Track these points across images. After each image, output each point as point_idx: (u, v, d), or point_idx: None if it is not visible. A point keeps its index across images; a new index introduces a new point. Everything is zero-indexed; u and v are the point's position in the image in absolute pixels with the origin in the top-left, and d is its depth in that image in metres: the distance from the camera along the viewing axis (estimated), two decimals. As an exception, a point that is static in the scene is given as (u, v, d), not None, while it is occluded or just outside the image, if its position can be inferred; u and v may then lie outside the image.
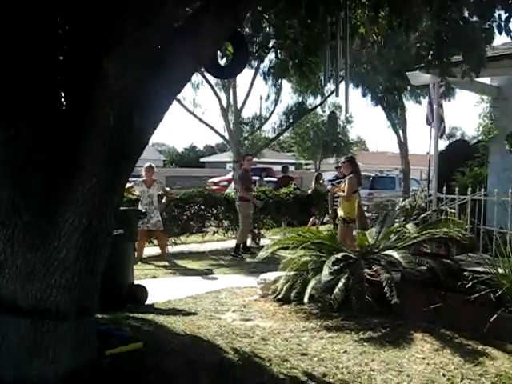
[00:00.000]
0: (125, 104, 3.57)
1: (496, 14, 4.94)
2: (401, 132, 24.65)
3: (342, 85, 5.79)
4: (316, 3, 4.82)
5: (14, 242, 3.67)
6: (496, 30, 4.95)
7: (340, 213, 9.38)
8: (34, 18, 3.50)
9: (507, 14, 4.82)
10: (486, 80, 9.66)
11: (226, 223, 14.01)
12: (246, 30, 5.91)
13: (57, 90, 3.73)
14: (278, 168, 19.68)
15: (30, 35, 3.48)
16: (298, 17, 5.11)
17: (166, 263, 10.68)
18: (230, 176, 26.50)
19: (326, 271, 6.22)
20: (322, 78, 5.88)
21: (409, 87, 20.75)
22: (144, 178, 11.06)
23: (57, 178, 3.67)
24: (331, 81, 5.94)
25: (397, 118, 24.40)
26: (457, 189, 7.87)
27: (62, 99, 3.78)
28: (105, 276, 6.00)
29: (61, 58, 3.87)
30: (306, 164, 47.67)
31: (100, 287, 5.91)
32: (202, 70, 9.93)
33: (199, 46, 3.87)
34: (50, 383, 3.70)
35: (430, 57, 5.43)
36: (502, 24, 4.88)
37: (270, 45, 7.75)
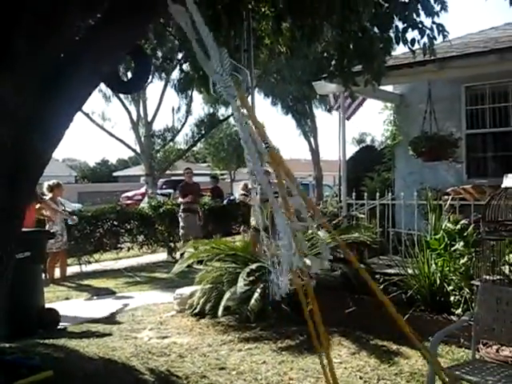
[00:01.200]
0: (22, 124, 3.40)
1: (394, 25, 5.12)
2: (312, 139, 25.17)
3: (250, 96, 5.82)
4: (218, 15, 4.82)
5: None
6: (394, 41, 5.14)
7: (251, 221, 9.51)
8: None
9: (404, 25, 5.01)
10: (389, 88, 10.03)
11: (140, 238, 13.75)
12: (150, 43, 5.81)
13: None
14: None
15: None
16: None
17: (76, 284, 10.33)
18: (143, 190, 26.15)
19: (240, 283, 6.21)
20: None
21: (318, 95, 21.24)
22: (50, 196, 10.63)
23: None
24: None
25: (307, 126, 24.90)
26: (365, 194, 8.10)
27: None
28: (13, 301, 5.78)
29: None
30: (222, 174, 47.76)
31: (7, 313, 5.67)
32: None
33: (99, 60, 3.75)
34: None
35: (332, 67, 5.56)
36: (400, 34, 5.06)
37: (179, 57, 7.69)
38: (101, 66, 3.84)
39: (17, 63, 3.32)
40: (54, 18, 3.35)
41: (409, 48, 5.20)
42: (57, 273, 10.74)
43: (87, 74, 3.73)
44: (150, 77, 18.86)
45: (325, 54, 5.58)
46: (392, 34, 5.17)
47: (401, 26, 5.09)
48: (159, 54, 5.92)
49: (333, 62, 5.45)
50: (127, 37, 3.96)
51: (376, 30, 5.20)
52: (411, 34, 5.06)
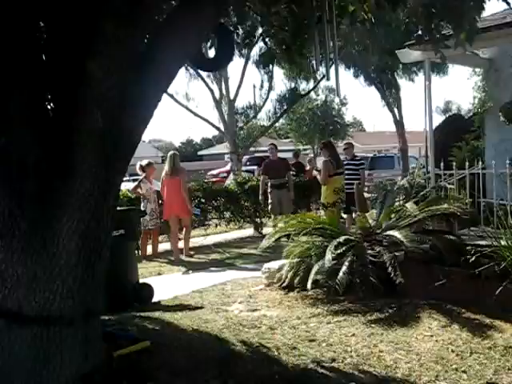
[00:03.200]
0: (112, 105, 3.55)
1: None
2: (396, 110, 24.60)
3: (333, 68, 5.76)
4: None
5: (13, 251, 3.66)
6: None
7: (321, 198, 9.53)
8: (17, 27, 3.47)
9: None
10: (477, 52, 9.62)
11: (227, 215, 14.02)
12: (232, 19, 5.86)
13: (44, 95, 3.70)
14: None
15: (13, 42, 3.45)
16: (282, 2, 5.07)
17: (167, 260, 10.71)
18: (228, 167, 26.52)
19: (328, 256, 6.22)
20: (314, 62, 5.83)
21: (401, 65, 20.70)
22: (143, 176, 11.08)
23: (51, 183, 3.65)
24: (322, 64, 5.89)
25: (391, 97, 24.35)
26: (454, 164, 7.86)
27: (50, 105, 3.75)
28: (109, 277, 6.05)
29: (46, 62, 3.84)
30: (304, 149, 47.62)
31: (105, 288, 5.97)
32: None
33: (184, 39, 3.83)
34: (60, 389, 3.70)
35: (420, 31, 5.35)
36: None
37: (259, 32, 7.69)
38: (186, 45, 3.92)
39: (106, 46, 3.45)
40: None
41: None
42: (149, 249, 11.19)
43: (173, 53, 3.82)
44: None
45: (412, 19, 5.35)
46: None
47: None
48: (240, 30, 5.96)
49: (420, 27, 5.24)
50: (211, 15, 4.02)
51: None
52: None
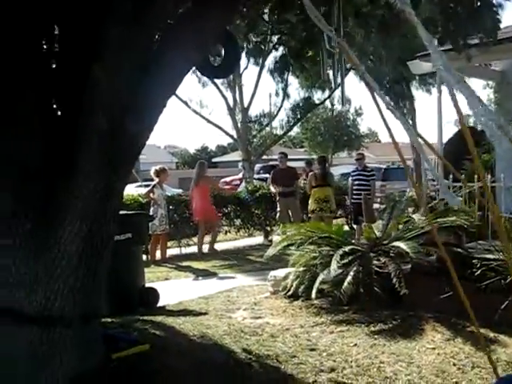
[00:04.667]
0: (117, 108, 3.59)
1: None
2: (410, 121, 24.50)
3: (349, 76, 5.77)
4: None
5: (16, 252, 3.70)
6: None
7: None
8: (24, 29, 3.53)
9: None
10: (490, 64, 9.61)
11: (237, 222, 14.04)
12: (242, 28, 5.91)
13: (49, 98, 3.76)
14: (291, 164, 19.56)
15: (20, 45, 3.50)
16: (291, 10, 5.09)
17: (175, 265, 10.75)
18: (241, 175, 26.56)
19: (334, 265, 6.20)
20: (327, 71, 5.84)
21: (417, 76, 20.67)
22: (157, 181, 11.19)
23: (54, 185, 3.70)
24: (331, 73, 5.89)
25: (405, 108, 24.27)
26: (462, 176, 7.82)
27: (55, 107, 3.80)
28: (114, 280, 6.10)
29: (54, 66, 3.90)
30: (319, 159, 47.56)
31: (110, 291, 6.00)
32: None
33: (190, 46, 3.88)
34: (58, 390, 3.73)
35: (439, 34, 5.29)
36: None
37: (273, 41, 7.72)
38: (192, 52, 3.97)
39: (112, 51, 3.50)
40: (145, 5, 3.50)
41: None
42: (157, 254, 11.24)
43: (178, 59, 3.87)
44: (246, 62, 19.19)
45: (429, 26, 5.29)
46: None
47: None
48: (253, 38, 6.03)
49: (439, 29, 5.18)
50: (217, 22, 4.06)
51: None
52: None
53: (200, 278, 9.52)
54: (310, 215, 11.13)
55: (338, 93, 25.67)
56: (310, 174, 11.25)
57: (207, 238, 12.35)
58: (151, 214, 10.58)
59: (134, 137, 3.83)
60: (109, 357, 4.06)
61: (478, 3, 4.86)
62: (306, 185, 11.73)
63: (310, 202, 10.99)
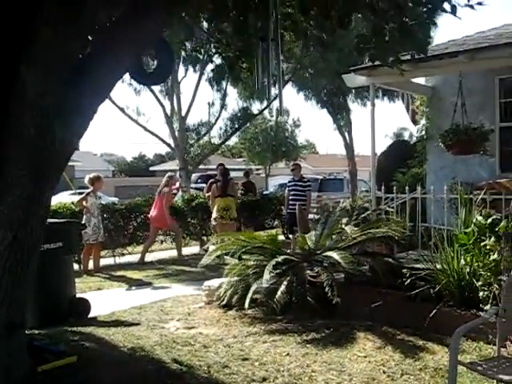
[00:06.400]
0: (45, 113, 3.48)
1: None
2: (346, 134, 24.99)
3: (287, 88, 5.81)
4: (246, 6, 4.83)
5: None
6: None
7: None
8: None
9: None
10: (421, 80, 9.89)
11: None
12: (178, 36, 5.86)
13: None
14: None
15: None
16: (225, 19, 5.09)
17: (109, 275, 10.54)
18: (177, 184, 26.35)
19: (266, 275, 6.22)
20: (262, 81, 5.84)
21: (353, 90, 21.08)
22: (91, 189, 10.93)
23: (-22, 191, 3.55)
24: (265, 84, 5.90)
25: (342, 120, 24.72)
26: (394, 188, 8.02)
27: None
28: (44, 290, 5.93)
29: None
30: (257, 169, 47.83)
31: (39, 301, 5.82)
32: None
33: (123, 52, 3.81)
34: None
35: (371, 49, 5.37)
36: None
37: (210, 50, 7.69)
38: (124, 57, 3.90)
39: (41, 52, 3.39)
40: (74, 6, 3.41)
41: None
42: (90, 264, 10.97)
43: (111, 65, 3.79)
44: (185, 70, 19.09)
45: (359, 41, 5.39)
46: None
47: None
48: (190, 46, 5.98)
49: (370, 46, 5.26)
50: (151, 30, 4.00)
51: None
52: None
53: (133, 287, 9.34)
54: (212, 222, 11.92)
55: (276, 104, 26.02)
56: (213, 184, 12.10)
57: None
58: (83, 222, 10.33)
59: (62, 143, 3.71)
60: (34, 369, 3.92)
61: (411, 22, 4.97)
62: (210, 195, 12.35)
63: (213, 210, 11.75)
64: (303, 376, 4.65)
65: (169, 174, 13.35)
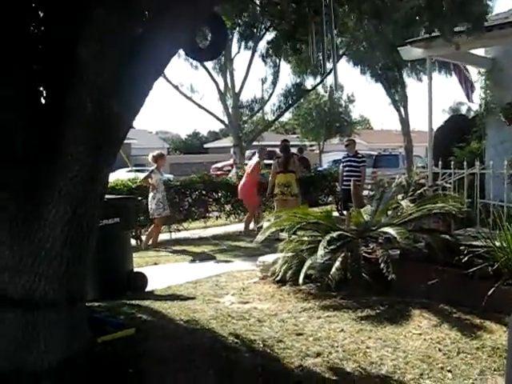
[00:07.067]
0: (102, 90, 3.54)
1: None
2: (402, 109, 24.49)
3: (341, 63, 5.74)
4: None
5: (0, 235, 3.66)
6: None
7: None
8: (8, 11, 3.47)
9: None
10: (481, 52, 9.57)
11: (227, 208, 14.03)
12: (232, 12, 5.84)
13: (33, 78, 3.70)
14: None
15: (3, 27, 3.44)
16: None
17: (165, 250, 10.77)
18: (232, 161, 26.52)
19: (321, 251, 6.20)
20: (316, 55, 5.78)
21: (409, 64, 20.62)
22: (155, 166, 11.19)
23: (39, 168, 3.65)
24: (320, 58, 5.83)
25: (397, 95, 24.23)
26: (452, 163, 7.83)
27: (40, 88, 3.75)
28: (102, 265, 6.10)
29: (38, 48, 3.83)
30: (311, 145, 47.56)
31: (98, 276, 5.98)
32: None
33: (175, 28, 3.82)
34: (43, 372, 3.71)
35: (425, 21, 5.24)
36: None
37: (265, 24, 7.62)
38: (178, 33, 3.91)
39: (96, 31, 3.44)
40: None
41: None
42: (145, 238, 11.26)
43: (165, 41, 3.81)
44: (238, 46, 19.04)
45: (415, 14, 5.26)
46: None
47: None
48: (244, 21, 5.97)
49: (425, 18, 5.14)
50: (204, 5, 4.00)
51: None
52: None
53: (197, 261, 9.53)
54: (274, 198, 11.76)
55: (329, 79, 25.72)
56: (274, 161, 11.89)
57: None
58: (151, 198, 10.81)
59: (118, 120, 3.77)
60: (95, 340, 4.05)
61: None
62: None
63: (274, 186, 11.64)
64: (357, 352, 4.64)
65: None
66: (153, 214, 11.00)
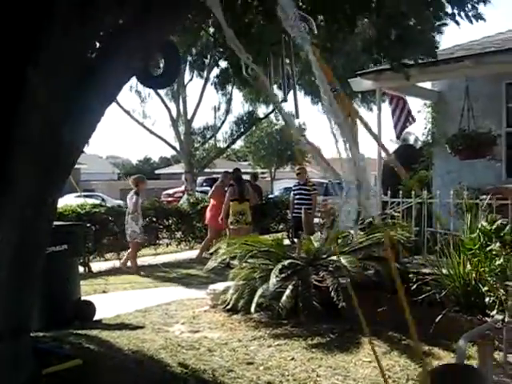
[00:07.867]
0: (52, 116, 3.49)
1: None
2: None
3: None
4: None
5: None
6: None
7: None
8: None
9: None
10: (427, 85, 9.89)
11: (178, 234, 13.90)
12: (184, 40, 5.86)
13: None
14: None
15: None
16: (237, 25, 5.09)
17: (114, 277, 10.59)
18: (183, 188, 26.43)
19: (273, 279, 6.22)
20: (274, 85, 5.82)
21: (360, 94, 21.07)
22: (135, 190, 11.06)
23: (-15, 193, 3.55)
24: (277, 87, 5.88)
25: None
26: (400, 192, 8.00)
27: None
28: (49, 292, 5.93)
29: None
30: (262, 173, 47.79)
31: (44, 304, 5.81)
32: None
33: (130, 55, 3.81)
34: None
35: (374, 52, 5.37)
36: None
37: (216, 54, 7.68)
38: (131, 61, 3.90)
39: (48, 55, 3.39)
40: (85, 10, 3.41)
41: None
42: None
43: (118, 68, 3.80)
44: (190, 74, 19.12)
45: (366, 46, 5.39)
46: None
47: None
48: (196, 51, 5.99)
49: (375, 51, 5.27)
50: (158, 34, 4.01)
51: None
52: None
53: (138, 290, 9.35)
54: (229, 226, 11.64)
55: (287, 107, 25.98)
56: (230, 188, 11.82)
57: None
58: (131, 222, 10.80)
59: (69, 146, 3.72)
60: (39, 372, 3.91)
61: (418, 27, 4.98)
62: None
63: (229, 214, 11.58)
64: (308, 381, 4.64)
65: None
66: (135, 238, 10.91)
